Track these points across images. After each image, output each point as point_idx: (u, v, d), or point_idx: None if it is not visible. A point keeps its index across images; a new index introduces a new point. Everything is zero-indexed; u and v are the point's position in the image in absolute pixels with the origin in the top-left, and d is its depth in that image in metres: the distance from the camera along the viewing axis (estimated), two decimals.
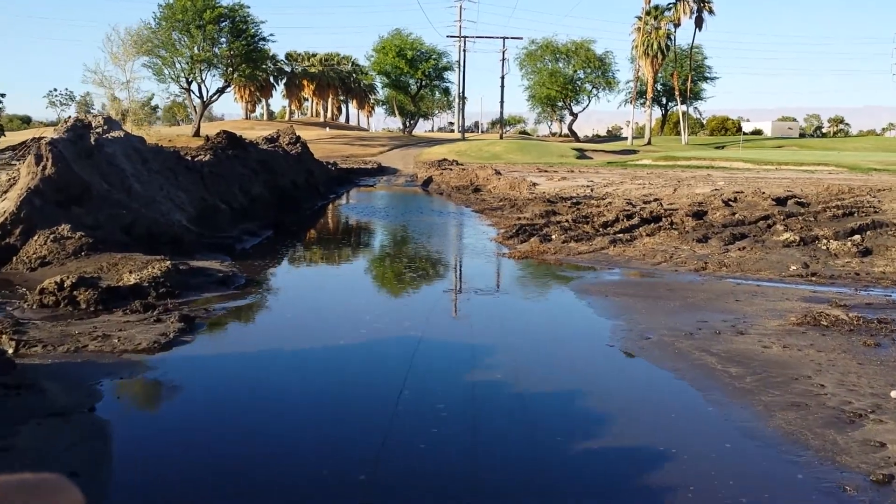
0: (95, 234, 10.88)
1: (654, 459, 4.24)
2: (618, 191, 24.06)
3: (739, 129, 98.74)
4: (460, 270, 11.58)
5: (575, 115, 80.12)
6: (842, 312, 7.73)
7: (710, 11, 65.98)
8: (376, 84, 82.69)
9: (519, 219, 17.11)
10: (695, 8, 65.42)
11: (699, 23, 66.99)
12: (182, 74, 54.12)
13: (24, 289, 8.49)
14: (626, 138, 78.49)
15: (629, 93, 76.83)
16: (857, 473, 4.05)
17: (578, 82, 76.60)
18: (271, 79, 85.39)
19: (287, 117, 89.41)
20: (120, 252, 10.69)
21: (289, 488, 3.89)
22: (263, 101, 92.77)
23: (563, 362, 6.33)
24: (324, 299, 9.20)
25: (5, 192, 11.45)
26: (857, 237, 12.75)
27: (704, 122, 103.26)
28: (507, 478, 4.12)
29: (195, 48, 53.03)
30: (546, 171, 35.76)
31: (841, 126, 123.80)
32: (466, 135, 76.53)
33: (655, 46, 65.57)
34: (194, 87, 55.18)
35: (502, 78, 71.34)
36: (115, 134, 13.42)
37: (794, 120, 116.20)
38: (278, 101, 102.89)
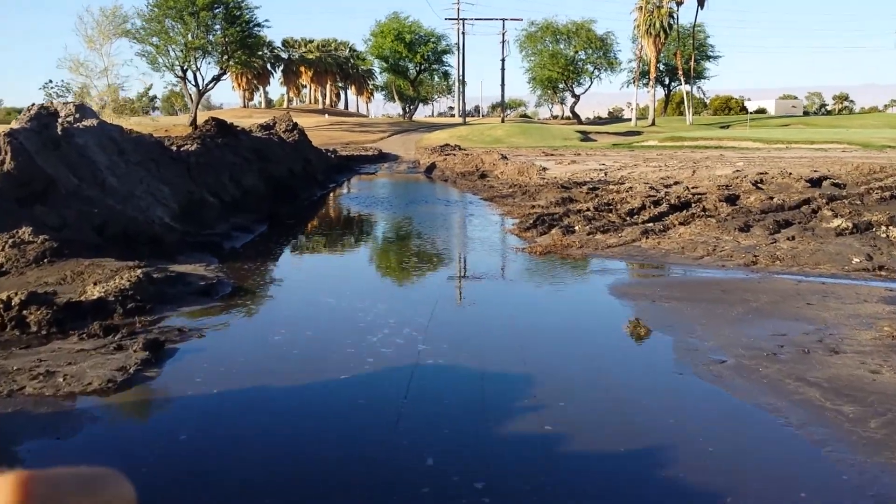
0: (61, 237, 9.55)
1: None
2: (633, 174, 22.70)
3: (743, 108, 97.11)
4: (479, 273, 10.21)
5: (577, 97, 78.60)
6: None
7: None
8: (374, 69, 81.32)
9: (533, 207, 15.77)
10: None
11: (701, 0, 65.36)
12: (176, 63, 52.60)
13: None
14: (628, 119, 77.08)
15: (631, 73, 75.29)
16: None
17: (580, 63, 75.14)
18: (268, 66, 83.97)
19: (285, 105, 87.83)
20: (90, 256, 9.37)
21: None
22: (261, 88, 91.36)
23: (631, 405, 4.95)
24: (322, 315, 7.64)
25: None
26: None
27: (708, 101, 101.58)
28: None
29: (189, 35, 51.50)
30: (552, 155, 34.37)
31: (846, 103, 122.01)
32: (467, 119, 75.02)
33: (658, 25, 64.09)
34: (190, 75, 53.66)
35: (503, 60, 69.95)
36: (88, 123, 12.06)
37: (796, 98, 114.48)
38: (276, 88, 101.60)
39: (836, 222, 11.59)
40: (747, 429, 4.50)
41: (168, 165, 13.80)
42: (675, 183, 19.49)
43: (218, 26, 53.12)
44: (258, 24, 56.11)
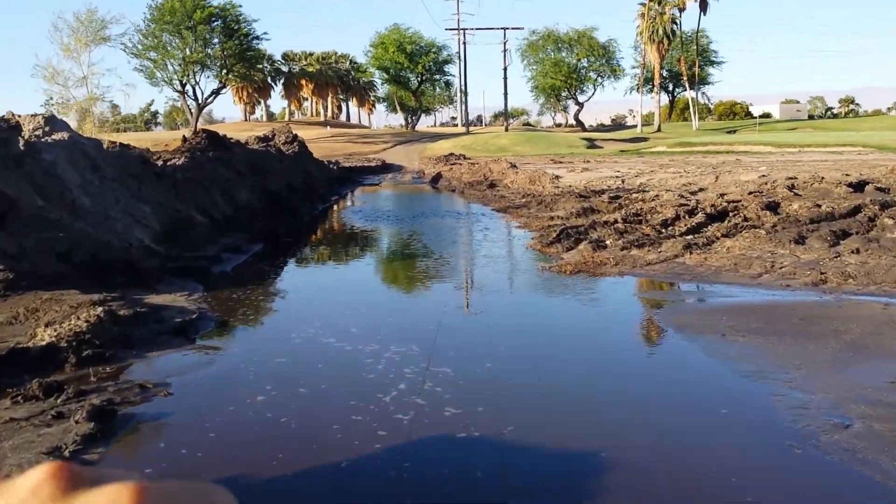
0: (19, 267, 8.24)
1: None
2: (653, 181, 21.37)
3: (748, 113, 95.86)
4: (504, 298, 8.86)
5: (581, 105, 77.51)
6: None
7: None
8: (376, 81, 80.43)
9: (552, 219, 14.44)
10: None
11: (703, 6, 64.30)
12: (175, 77, 51.59)
13: None
14: (631, 126, 76.00)
15: (634, 79, 74.22)
16: None
17: (583, 71, 74.12)
18: (269, 80, 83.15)
19: (287, 118, 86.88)
20: (53, 288, 8.06)
21: None
22: (262, 102, 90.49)
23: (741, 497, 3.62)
24: (321, 362, 5.98)
25: None
26: None
27: (712, 107, 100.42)
28: None
29: (187, 50, 50.53)
30: (561, 163, 33.09)
31: (852, 106, 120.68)
32: (470, 128, 73.88)
33: (661, 31, 63.22)
34: (189, 90, 52.67)
35: (505, 69, 68.74)
36: (59, 136, 10.79)
37: (798, 102, 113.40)
38: (278, 102, 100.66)
39: None
40: None
41: (151, 182, 12.51)
42: (701, 189, 18.19)
43: (216, 40, 52.29)
44: (257, 37, 55.40)
